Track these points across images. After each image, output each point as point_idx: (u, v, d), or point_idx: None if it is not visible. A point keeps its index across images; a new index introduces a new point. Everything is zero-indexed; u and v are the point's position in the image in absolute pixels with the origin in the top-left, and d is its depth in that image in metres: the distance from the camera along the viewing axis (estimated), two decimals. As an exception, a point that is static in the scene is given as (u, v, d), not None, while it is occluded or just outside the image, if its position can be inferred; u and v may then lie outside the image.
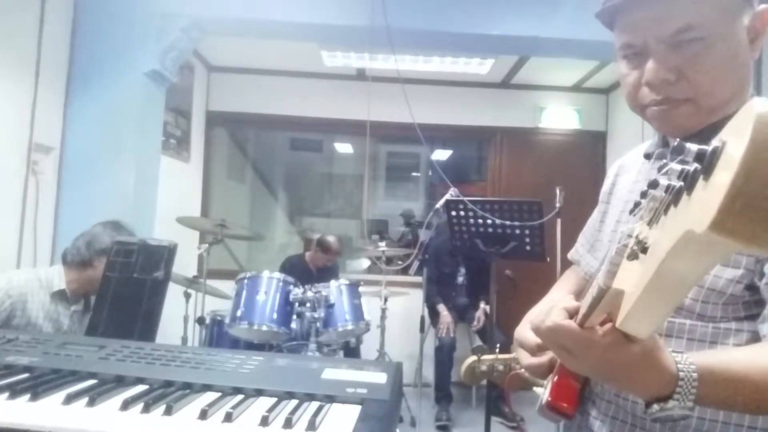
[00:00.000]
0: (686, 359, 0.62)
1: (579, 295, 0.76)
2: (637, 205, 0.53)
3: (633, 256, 0.52)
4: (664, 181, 0.47)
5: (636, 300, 0.50)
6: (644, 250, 0.50)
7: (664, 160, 0.48)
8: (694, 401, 0.60)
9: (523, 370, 0.91)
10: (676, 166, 0.46)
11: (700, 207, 0.40)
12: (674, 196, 0.45)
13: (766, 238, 0.39)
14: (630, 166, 0.98)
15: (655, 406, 0.61)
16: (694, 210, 0.41)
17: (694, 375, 0.60)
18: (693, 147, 0.44)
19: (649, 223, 0.50)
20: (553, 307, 0.65)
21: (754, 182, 0.38)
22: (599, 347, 0.58)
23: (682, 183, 0.44)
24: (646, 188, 0.50)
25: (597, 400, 0.84)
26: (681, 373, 0.60)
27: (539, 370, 0.84)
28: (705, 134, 0.77)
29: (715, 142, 0.42)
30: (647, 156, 0.90)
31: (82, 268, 2.04)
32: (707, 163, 0.42)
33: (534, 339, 0.84)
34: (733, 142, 0.40)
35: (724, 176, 0.39)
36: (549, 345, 0.66)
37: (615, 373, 0.61)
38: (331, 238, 4.07)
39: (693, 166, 0.43)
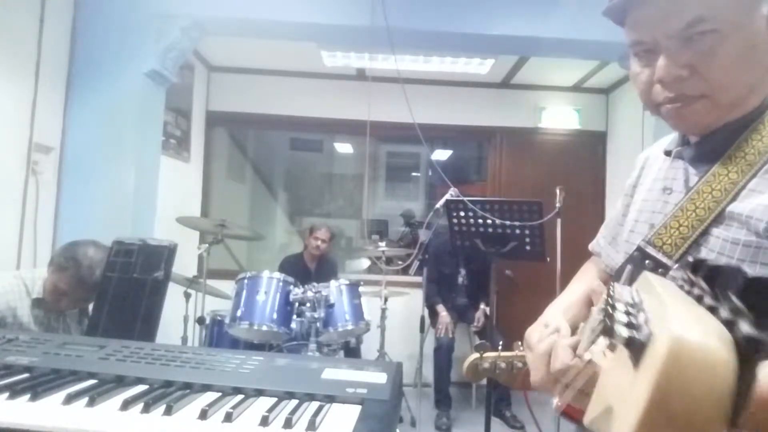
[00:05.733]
0: None
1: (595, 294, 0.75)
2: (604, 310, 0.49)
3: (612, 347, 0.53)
4: (619, 316, 0.45)
5: None
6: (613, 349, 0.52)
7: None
8: None
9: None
10: (622, 317, 0.44)
11: (630, 406, 0.40)
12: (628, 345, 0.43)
13: None
14: (655, 159, 0.94)
15: None
16: (630, 404, 0.40)
17: None
18: (623, 332, 0.42)
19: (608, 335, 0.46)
20: (556, 345, 0.60)
21: (662, 412, 0.37)
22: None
23: (630, 334, 0.42)
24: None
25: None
26: None
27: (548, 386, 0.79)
28: (721, 134, 0.76)
29: (640, 336, 0.41)
30: (667, 153, 0.88)
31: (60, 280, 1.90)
32: (635, 353, 0.42)
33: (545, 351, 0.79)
34: (651, 354, 0.40)
35: (642, 388, 0.38)
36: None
37: None
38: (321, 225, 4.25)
39: (640, 316, 0.44)
